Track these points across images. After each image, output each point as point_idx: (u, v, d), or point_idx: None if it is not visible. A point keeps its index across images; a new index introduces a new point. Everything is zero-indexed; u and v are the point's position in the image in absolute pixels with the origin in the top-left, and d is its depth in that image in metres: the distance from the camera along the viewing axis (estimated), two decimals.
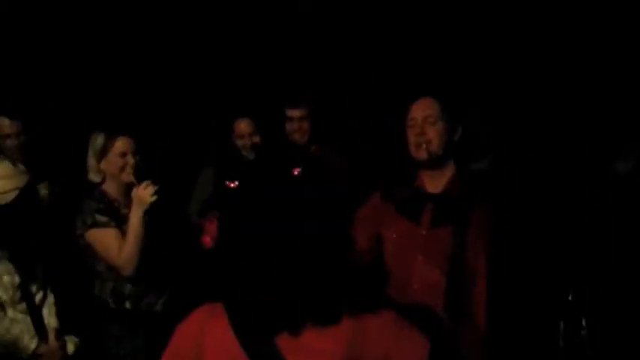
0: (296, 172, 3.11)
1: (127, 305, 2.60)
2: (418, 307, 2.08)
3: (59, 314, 2.58)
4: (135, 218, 2.51)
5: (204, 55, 4.33)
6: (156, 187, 2.49)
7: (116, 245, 2.52)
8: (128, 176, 2.60)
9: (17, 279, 2.48)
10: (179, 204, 3.26)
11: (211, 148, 3.92)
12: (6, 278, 2.47)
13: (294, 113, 3.45)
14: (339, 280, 1.20)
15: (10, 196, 2.47)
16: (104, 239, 2.54)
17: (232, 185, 3.27)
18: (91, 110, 3.87)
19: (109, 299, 2.60)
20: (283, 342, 1.17)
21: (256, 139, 3.46)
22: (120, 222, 2.58)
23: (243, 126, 3.47)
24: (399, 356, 1.19)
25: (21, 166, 2.59)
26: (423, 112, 2.19)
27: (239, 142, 3.48)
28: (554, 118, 3.73)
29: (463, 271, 2.09)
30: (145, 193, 2.49)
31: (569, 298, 3.03)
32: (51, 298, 2.59)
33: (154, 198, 2.48)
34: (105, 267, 2.59)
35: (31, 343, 2.47)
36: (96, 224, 2.54)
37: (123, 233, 2.55)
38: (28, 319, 2.50)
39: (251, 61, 4.35)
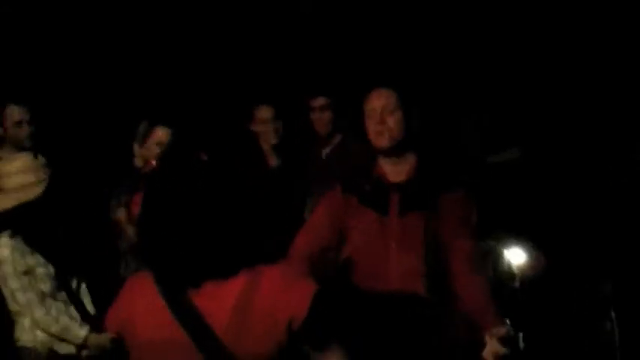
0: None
1: (132, 268, 2.66)
2: (399, 293, 2.12)
3: (95, 302, 2.60)
4: None
5: (204, 56, 4.33)
6: None
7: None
8: None
9: (52, 269, 2.48)
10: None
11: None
12: (41, 270, 2.47)
13: (317, 102, 3.51)
14: (235, 240, 1.32)
15: (35, 191, 2.46)
16: (128, 216, 2.65)
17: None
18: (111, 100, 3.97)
19: (121, 266, 2.69)
20: (193, 293, 1.31)
21: (279, 124, 3.49)
22: None
23: (266, 111, 3.49)
24: (282, 299, 1.28)
25: (41, 158, 2.60)
26: (381, 101, 2.23)
27: (262, 128, 3.49)
28: (573, 111, 3.72)
29: (440, 254, 2.15)
30: None
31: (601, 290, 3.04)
32: (83, 285, 2.61)
33: None
34: (128, 245, 2.65)
35: (80, 331, 2.46)
36: (121, 204, 2.66)
37: None
38: (71, 308, 2.51)
39: (251, 61, 4.35)
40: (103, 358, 2.49)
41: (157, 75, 4.18)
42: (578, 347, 3.00)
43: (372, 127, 2.24)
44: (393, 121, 2.21)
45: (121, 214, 2.67)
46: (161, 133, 2.69)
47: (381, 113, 2.22)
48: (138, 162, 2.76)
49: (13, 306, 2.49)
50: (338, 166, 3.24)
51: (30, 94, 3.74)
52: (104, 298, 2.58)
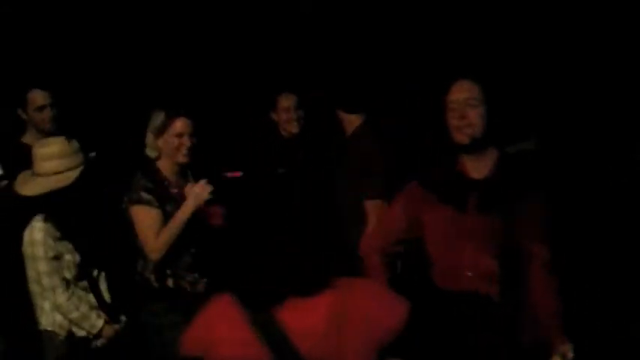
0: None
1: (170, 283, 2.61)
2: (472, 294, 2.08)
3: (111, 291, 2.62)
4: (185, 212, 2.53)
5: (205, 56, 4.33)
6: (212, 188, 2.53)
7: (154, 228, 2.54)
8: (183, 157, 2.63)
9: (78, 257, 2.50)
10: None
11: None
12: (68, 257, 2.49)
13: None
14: (319, 256, 1.34)
15: (69, 177, 2.45)
16: (145, 218, 2.56)
17: (233, 175, 3.30)
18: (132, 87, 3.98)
19: (151, 276, 2.61)
20: (278, 310, 1.31)
21: (300, 113, 3.50)
22: (165, 202, 2.60)
23: (288, 100, 3.50)
24: (377, 315, 1.30)
25: (75, 143, 2.57)
26: (463, 94, 2.11)
27: (283, 116, 3.49)
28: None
29: (516, 257, 2.07)
30: (203, 192, 2.52)
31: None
32: (102, 275, 2.62)
33: (210, 197, 2.52)
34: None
35: (98, 321, 2.51)
36: (140, 201, 2.56)
37: (166, 213, 2.57)
38: (89, 296, 2.55)
39: (251, 61, 4.36)
40: (115, 347, 2.55)
41: (164, 69, 4.19)
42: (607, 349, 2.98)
43: (452, 121, 2.13)
44: (474, 116, 2.09)
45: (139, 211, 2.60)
46: (180, 124, 2.63)
47: (463, 107, 2.10)
48: (151, 153, 2.69)
49: (34, 287, 2.51)
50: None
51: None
52: (119, 289, 2.65)
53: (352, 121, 3.19)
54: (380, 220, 2.41)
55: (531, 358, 2.02)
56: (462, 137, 2.11)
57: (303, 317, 1.28)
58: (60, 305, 2.47)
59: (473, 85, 2.13)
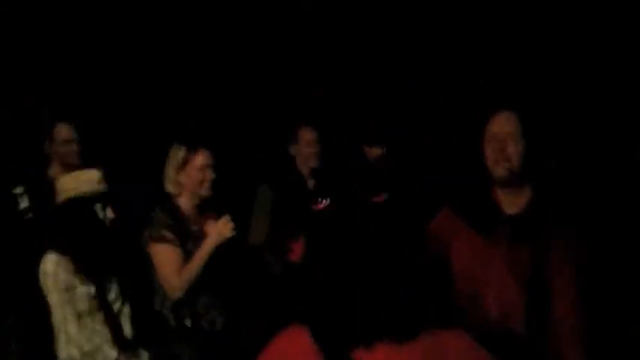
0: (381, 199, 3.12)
1: (187, 323, 2.57)
2: (497, 327, 2.03)
3: (134, 325, 2.57)
4: (206, 251, 2.49)
5: (201, 56, 4.33)
6: (234, 225, 2.50)
7: (176, 266, 2.50)
8: (206, 190, 2.61)
9: (92, 290, 2.46)
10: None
11: (261, 162, 3.91)
12: (81, 289, 2.45)
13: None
14: (418, 297, 1.19)
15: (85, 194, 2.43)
16: (166, 256, 2.52)
17: (320, 206, 3.25)
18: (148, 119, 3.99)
19: (169, 315, 2.57)
20: (362, 355, 1.16)
21: (319, 147, 3.44)
22: (185, 239, 2.57)
23: (310, 133, 3.43)
24: None
25: (101, 177, 2.54)
26: (505, 127, 2.07)
27: (306, 150, 3.42)
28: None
29: (543, 292, 2.02)
30: (226, 229, 2.49)
31: None
32: (127, 309, 2.58)
33: (233, 234, 2.49)
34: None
35: (111, 352, 2.46)
36: (162, 239, 2.52)
37: (186, 252, 2.54)
38: (107, 329, 2.49)
39: (250, 61, 4.35)
40: None
41: (164, 68, 4.19)
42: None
43: (491, 153, 2.08)
44: (514, 151, 2.05)
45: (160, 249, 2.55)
46: (203, 157, 2.62)
47: (504, 140, 2.05)
48: (172, 188, 2.66)
49: (54, 319, 2.49)
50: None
51: (30, 94, 3.76)
52: (147, 326, 2.61)
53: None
54: None
55: None
56: (500, 171, 2.07)
57: (393, 358, 1.15)
58: (71, 337, 2.43)
59: (515, 119, 2.08)
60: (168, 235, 2.54)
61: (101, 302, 2.49)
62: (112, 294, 2.55)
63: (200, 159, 2.62)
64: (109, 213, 2.50)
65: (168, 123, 4.09)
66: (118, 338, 2.52)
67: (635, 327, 3.01)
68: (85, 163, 3.07)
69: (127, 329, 2.57)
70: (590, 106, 3.63)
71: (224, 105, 4.28)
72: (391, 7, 4.16)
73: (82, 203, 2.43)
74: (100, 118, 3.86)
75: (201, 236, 2.58)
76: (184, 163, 2.61)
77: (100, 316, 2.50)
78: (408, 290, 1.17)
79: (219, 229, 2.51)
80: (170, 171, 2.65)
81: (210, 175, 2.62)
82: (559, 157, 3.38)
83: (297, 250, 2.89)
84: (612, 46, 3.62)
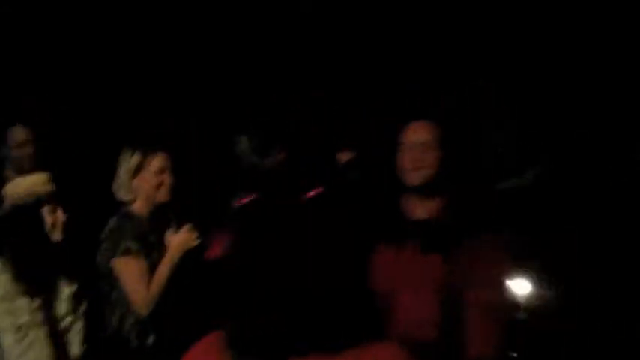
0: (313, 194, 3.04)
1: (150, 340, 2.39)
2: (407, 339, 1.91)
3: (87, 343, 2.47)
4: (170, 261, 2.36)
5: (200, 57, 4.32)
6: (197, 233, 2.38)
7: (144, 281, 2.34)
8: (164, 196, 2.48)
9: (37, 302, 2.38)
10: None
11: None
12: (22, 301, 2.38)
13: None
14: (344, 309, 1.11)
15: (23, 200, 2.36)
16: (135, 271, 2.34)
17: (244, 201, 3.20)
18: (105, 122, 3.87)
19: (131, 333, 2.38)
20: None
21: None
22: (150, 249, 2.42)
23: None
24: None
25: (47, 176, 2.48)
26: (420, 136, 2.08)
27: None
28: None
29: (455, 301, 1.99)
30: (188, 238, 2.38)
31: None
32: (79, 326, 2.50)
33: (197, 242, 2.38)
34: (122, 296, 2.37)
35: None
36: (129, 251, 2.35)
37: (151, 264, 2.39)
38: (47, 345, 2.41)
39: (250, 61, 4.35)
40: None
41: (164, 67, 4.18)
42: None
43: (406, 162, 2.08)
44: (430, 159, 2.05)
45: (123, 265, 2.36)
46: (160, 160, 2.48)
47: (420, 149, 2.05)
48: (124, 194, 2.50)
49: None
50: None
51: (30, 94, 3.75)
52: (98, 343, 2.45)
53: None
54: None
55: None
56: (416, 179, 2.06)
57: None
58: (7, 347, 2.33)
59: (430, 128, 2.09)
60: (135, 246, 2.37)
61: (45, 316, 2.37)
62: (62, 308, 2.42)
63: (157, 162, 2.48)
64: (60, 216, 2.39)
65: (168, 123, 4.08)
66: (59, 356, 2.38)
67: (635, 327, 3.01)
68: (41, 166, 2.95)
69: (76, 348, 2.45)
70: (590, 106, 3.64)
71: (224, 105, 4.27)
72: (391, 7, 4.15)
73: (25, 210, 2.32)
74: (99, 118, 3.84)
75: (160, 246, 2.43)
76: (139, 167, 2.47)
77: (42, 331, 2.38)
78: (337, 297, 1.09)
79: (183, 239, 2.38)
80: (123, 176, 2.49)
81: (168, 178, 2.48)
82: (556, 158, 3.39)
83: (216, 248, 2.64)
84: (612, 46, 3.62)
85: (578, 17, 3.69)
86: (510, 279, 2.73)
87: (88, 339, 2.46)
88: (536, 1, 3.81)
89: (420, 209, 2.11)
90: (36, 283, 2.36)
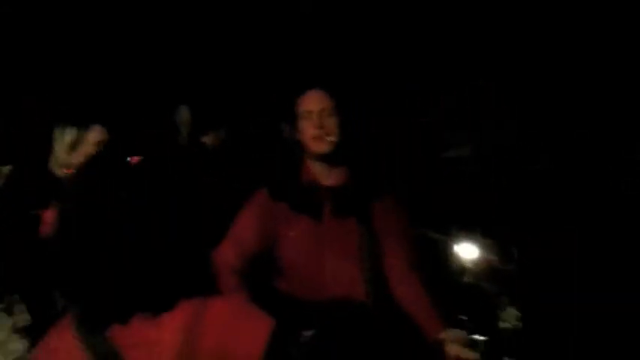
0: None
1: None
2: (336, 301, 2.03)
3: (28, 332, 2.42)
4: None
5: (201, 55, 4.33)
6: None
7: None
8: None
9: None
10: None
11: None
12: None
13: None
14: (173, 265, 1.12)
15: None
16: None
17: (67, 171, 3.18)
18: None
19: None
20: (118, 333, 1.10)
21: None
22: None
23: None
24: (233, 344, 1.10)
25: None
26: (319, 104, 2.10)
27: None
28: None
29: (377, 261, 2.07)
30: None
31: None
32: (19, 316, 2.46)
33: None
34: None
35: (18, 346, 2.33)
36: None
37: None
38: (11, 319, 2.38)
39: (250, 60, 4.35)
40: None
41: (164, 66, 4.18)
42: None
43: (310, 130, 2.09)
44: (333, 125, 2.08)
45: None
46: (98, 133, 2.48)
47: (319, 116, 2.08)
48: (60, 171, 2.50)
49: None
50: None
51: (30, 94, 3.76)
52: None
53: None
54: (231, 234, 2.21)
55: None
56: (322, 146, 2.08)
57: (145, 343, 1.08)
58: None
59: (325, 95, 2.11)
60: None
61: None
62: None
63: (93, 135, 2.48)
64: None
65: (168, 122, 4.08)
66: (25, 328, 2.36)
67: (635, 325, 3.02)
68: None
69: (23, 317, 2.42)
70: (589, 106, 3.64)
71: (223, 105, 4.27)
72: (391, 7, 4.16)
73: None
74: (99, 118, 3.82)
75: None
76: (76, 142, 2.47)
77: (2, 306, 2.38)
78: (160, 258, 1.09)
79: None
80: (59, 152, 2.48)
81: None
82: (556, 156, 3.41)
83: (47, 220, 2.56)
84: (612, 46, 3.62)
85: (578, 17, 3.69)
86: (458, 244, 2.81)
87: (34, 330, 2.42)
88: (536, 1, 3.81)
89: (326, 175, 2.14)
90: None
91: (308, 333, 1.18)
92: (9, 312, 2.43)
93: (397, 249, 2.08)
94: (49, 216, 2.52)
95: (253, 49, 4.33)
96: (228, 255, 2.07)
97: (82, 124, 2.50)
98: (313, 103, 2.11)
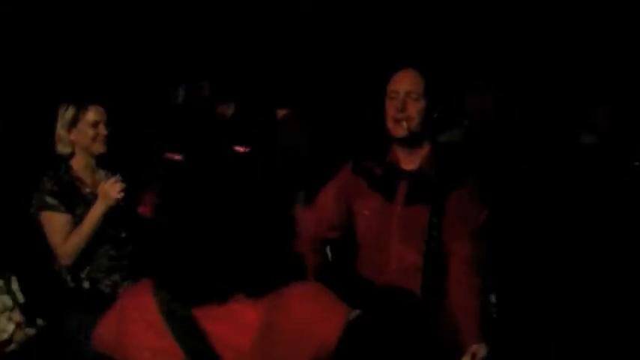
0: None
1: (86, 286, 2.47)
2: (393, 288, 2.02)
3: (25, 293, 2.50)
4: (94, 215, 2.42)
5: (203, 54, 4.33)
6: (124, 185, 2.39)
7: (62, 233, 2.42)
8: (100, 147, 2.52)
9: None
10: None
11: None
12: None
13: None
14: (271, 253, 1.19)
15: None
16: (51, 224, 2.44)
17: (176, 157, 3.16)
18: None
19: (67, 278, 2.48)
20: (204, 309, 1.16)
21: None
22: (76, 203, 2.47)
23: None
24: (311, 329, 1.17)
25: None
26: (405, 85, 2.03)
27: None
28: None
29: (440, 252, 2.02)
30: (113, 190, 2.39)
31: None
32: (14, 278, 2.52)
33: (121, 196, 2.38)
34: None
35: (8, 326, 2.41)
36: (45, 207, 2.43)
37: (76, 217, 2.45)
38: (4, 298, 2.43)
39: (250, 60, 4.36)
40: (30, 351, 2.42)
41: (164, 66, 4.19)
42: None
43: (391, 111, 2.04)
44: (414, 110, 2.01)
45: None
46: (94, 113, 2.51)
47: (404, 99, 2.01)
48: (63, 148, 2.54)
49: None
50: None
51: (29, 93, 3.76)
52: (35, 291, 2.54)
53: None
54: (312, 206, 2.27)
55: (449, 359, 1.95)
56: (398, 129, 2.03)
57: (230, 324, 1.14)
58: None
59: (416, 77, 2.04)
60: (52, 201, 2.43)
61: None
62: None
63: (92, 115, 2.52)
64: None
65: (168, 123, 4.09)
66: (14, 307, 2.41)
67: (635, 327, 3.03)
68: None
69: (19, 296, 2.49)
70: (589, 106, 3.65)
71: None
72: (391, 7, 4.16)
73: None
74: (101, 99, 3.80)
75: (94, 199, 2.46)
76: (75, 121, 2.51)
77: None
78: (261, 245, 1.17)
79: (105, 191, 2.39)
80: (60, 130, 2.53)
81: (103, 130, 2.51)
82: (556, 157, 3.41)
83: (147, 202, 2.68)
84: (612, 46, 3.63)
85: (578, 17, 3.70)
86: None
87: (28, 288, 2.55)
88: (537, 1, 3.81)
89: (407, 159, 2.10)
90: None
91: (353, 313, 1.22)
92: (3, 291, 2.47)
93: (463, 247, 2.01)
94: (150, 198, 2.64)
95: (252, 49, 4.34)
96: (309, 222, 2.14)
97: (82, 102, 2.54)
98: (401, 82, 2.04)
